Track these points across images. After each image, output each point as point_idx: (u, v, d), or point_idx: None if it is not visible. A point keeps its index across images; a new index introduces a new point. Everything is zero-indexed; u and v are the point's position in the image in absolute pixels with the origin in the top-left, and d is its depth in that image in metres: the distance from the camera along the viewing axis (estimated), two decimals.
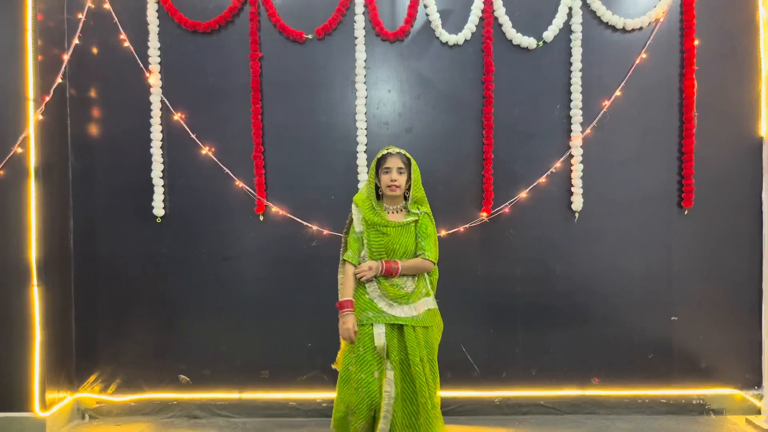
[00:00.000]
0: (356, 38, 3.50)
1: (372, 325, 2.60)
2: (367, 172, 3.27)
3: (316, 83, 3.56)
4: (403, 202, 2.73)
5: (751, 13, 3.50)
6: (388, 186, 2.62)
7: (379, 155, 2.68)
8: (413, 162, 2.69)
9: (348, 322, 2.57)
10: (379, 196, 2.74)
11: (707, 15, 3.48)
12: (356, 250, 2.70)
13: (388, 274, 2.61)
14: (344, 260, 2.72)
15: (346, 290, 2.65)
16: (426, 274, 2.79)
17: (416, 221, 2.68)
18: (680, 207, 3.54)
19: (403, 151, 2.67)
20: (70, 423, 3.56)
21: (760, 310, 3.55)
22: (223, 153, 3.56)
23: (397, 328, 2.62)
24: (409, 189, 2.69)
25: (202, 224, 3.59)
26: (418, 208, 2.70)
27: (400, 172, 2.62)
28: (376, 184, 2.71)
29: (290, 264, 3.58)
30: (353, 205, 2.75)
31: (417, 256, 2.68)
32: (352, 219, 2.77)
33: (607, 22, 3.49)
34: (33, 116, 3.28)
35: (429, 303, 2.73)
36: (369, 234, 2.66)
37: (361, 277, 2.62)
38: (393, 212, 2.70)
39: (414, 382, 2.57)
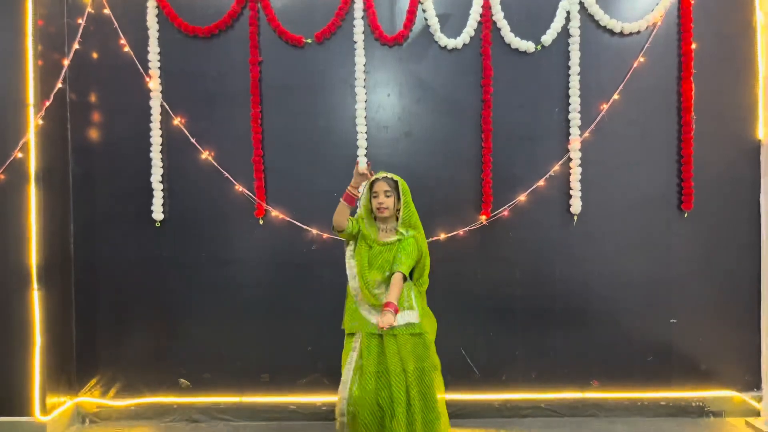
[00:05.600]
0: (355, 42, 3.51)
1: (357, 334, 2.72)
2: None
3: (315, 87, 3.57)
4: (395, 222, 2.80)
5: (748, 16, 3.51)
6: (377, 209, 2.74)
7: (370, 181, 2.77)
8: (401, 184, 2.76)
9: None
10: (375, 217, 2.84)
11: (705, 19, 3.49)
12: (354, 220, 2.79)
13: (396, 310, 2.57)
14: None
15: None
16: (413, 287, 2.81)
17: (399, 240, 2.74)
18: (680, 210, 3.55)
19: (390, 175, 2.78)
20: (70, 427, 3.56)
21: (759, 312, 3.56)
22: (223, 157, 3.57)
23: (377, 338, 2.67)
24: (399, 210, 2.77)
25: (201, 228, 3.60)
26: (407, 231, 2.76)
27: (387, 195, 2.73)
28: (370, 208, 2.82)
29: (290, 268, 3.58)
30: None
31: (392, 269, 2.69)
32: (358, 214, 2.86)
33: (605, 26, 3.51)
34: (33, 121, 3.29)
35: (408, 316, 2.70)
36: (360, 244, 2.79)
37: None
38: (384, 232, 2.80)
39: (392, 391, 2.58)
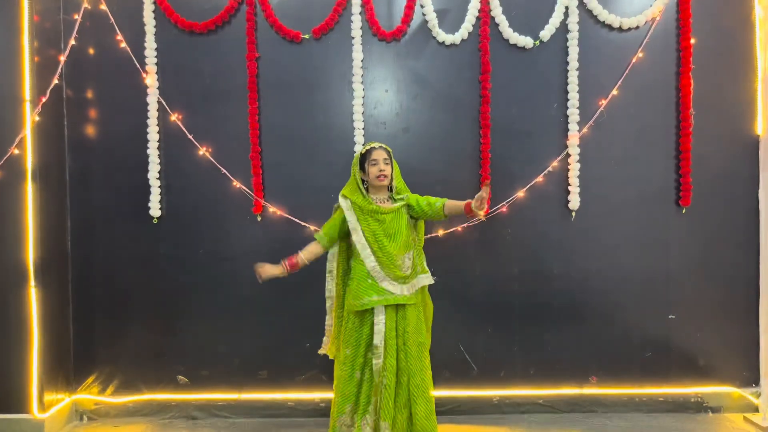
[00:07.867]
0: (353, 38, 3.50)
1: (373, 310, 2.77)
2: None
3: (313, 83, 3.56)
4: (388, 192, 2.91)
5: (746, 11, 3.50)
6: (377, 176, 2.78)
7: (363, 150, 2.86)
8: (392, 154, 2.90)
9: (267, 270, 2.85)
10: (367, 188, 2.90)
11: (703, 14, 3.48)
12: (329, 234, 2.88)
13: (480, 209, 2.65)
14: (314, 238, 2.91)
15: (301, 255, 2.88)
16: (423, 253, 2.99)
17: (406, 204, 2.86)
18: (678, 205, 3.55)
19: (384, 145, 2.86)
20: (68, 424, 3.55)
21: (757, 307, 3.56)
22: (220, 153, 3.55)
23: (394, 311, 2.78)
24: (391, 180, 2.88)
25: (199, 225, 3.59)
26: (401, 193, 2.89)
27: (386, 163, 2.80)
28: (362, 179, 2.87)
29: None
30: (341, 198, 2.87)
31: (437, 207, 2.81)
32: (338, 209, 2.89)
33: (603, 21, 3.49)
34: (30, 117, 3.27)
35: (424, 279, 2.90)
36: (367, 221, 2.77)
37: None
38: (380, 202, 2.85)
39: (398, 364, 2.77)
